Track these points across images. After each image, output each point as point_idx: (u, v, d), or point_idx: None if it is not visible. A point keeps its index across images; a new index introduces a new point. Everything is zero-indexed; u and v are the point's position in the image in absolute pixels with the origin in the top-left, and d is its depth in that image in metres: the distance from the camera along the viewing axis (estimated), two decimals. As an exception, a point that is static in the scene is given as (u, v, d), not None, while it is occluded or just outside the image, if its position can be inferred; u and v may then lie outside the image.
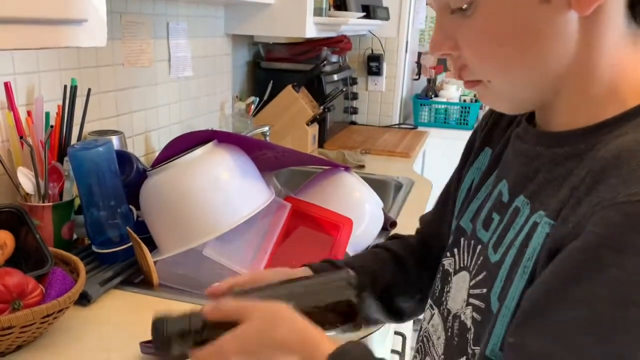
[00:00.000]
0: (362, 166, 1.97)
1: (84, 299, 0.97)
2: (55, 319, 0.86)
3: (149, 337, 0.61)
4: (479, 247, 0.62)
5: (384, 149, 2.26)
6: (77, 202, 1.14)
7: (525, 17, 0.49)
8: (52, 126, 1.13)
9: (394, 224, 1.42)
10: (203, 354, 0.56)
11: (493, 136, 0.70)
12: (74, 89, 1.19)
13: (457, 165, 0.77)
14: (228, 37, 1.99)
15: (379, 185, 1.72)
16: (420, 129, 2.78)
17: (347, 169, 1.35)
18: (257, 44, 2.25)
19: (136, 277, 1.12)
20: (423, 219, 0.86)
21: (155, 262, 1.07)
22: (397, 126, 2.80)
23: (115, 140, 1.32)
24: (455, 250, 0.67)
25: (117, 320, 0.95)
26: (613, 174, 0.45)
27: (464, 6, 0.51)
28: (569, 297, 0.44)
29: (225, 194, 1.09)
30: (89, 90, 1.24)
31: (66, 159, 1.11)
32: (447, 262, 0.68)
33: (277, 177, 1.51)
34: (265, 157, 1.27)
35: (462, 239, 0.67)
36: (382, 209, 1.35)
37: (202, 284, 1.08)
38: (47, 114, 1.15)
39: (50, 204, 1.08)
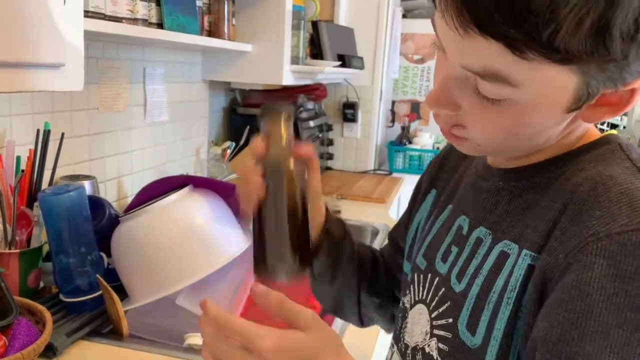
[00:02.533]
0: (339, 212, 1.96)
1: (49, 351, 0.92)
2: (17, 374, 0.81)
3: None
4: (437, 279, 0.64)
5: (360, 194, 2.27)
6: (46, 248, 1.10)
7: (544, 120, 0.52)
8: (22, 171, 1.10)
9: (370, 271, 1.40)
10: (242, 327, 0.49)
11: (439, 178, 0.74)
12: (46, 133, 1.17)
13: (407, 206, 0.80)
14: (205, 83, 2.00)
15: (356, 231, 1.71)
16: (395, 175, 2.81)
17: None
18: (233, 90, 2.27)
19: (105, 327, 1.07)
20: (382, 253, 0.88)
21: (125, 312, 1.04)
22: (372, 172, 2.82)
23: (87, 185, 1.29)
24: (411, 286, 0.69)
25: (83, 373, 0.91)
26: (596, 206, 0.48)
27: (492, 98, 0.50)
28: (585, 333, 0.46)
29: (200, 240, 1.07)
30: (63, 134, 1.22)
31: (36, 204, 1.08)
32: (406, 299, 0.71)
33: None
34: (240, 202, 1.25)
35: (416, 275, 0.69)
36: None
37: (174, 335, 1.05)
38: (18, 158, 1.13)
39: (17, 250, 1.04)
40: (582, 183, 0.51)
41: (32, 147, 1.16)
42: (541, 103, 0.49)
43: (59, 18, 0.82)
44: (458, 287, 0.60)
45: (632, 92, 0.50)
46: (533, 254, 0.52)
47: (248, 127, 2.12)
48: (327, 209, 0.76)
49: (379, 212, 2.08)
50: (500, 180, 0.61)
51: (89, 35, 1.08)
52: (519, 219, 0.56)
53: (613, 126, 5.63)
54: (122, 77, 1.51)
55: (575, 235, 0.48)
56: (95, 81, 1.40)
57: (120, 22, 1.20)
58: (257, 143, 0.63)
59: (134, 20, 1.26)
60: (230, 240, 1.11)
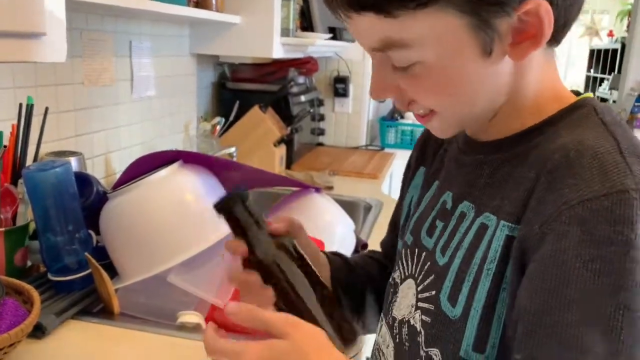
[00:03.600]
0: (331, 188, 1.94)
1: (38, 331, 0.90)
2: (5, 354, 0.79)
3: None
4: (424, 253, 0.65)
5: (352, 170, 2.25)
6: (32, 226, 1.07)
7: (468, 69, 0.53)
8: (5, 146, 1.06)
9: (365, 246, 1.39)
10: (224, 347, 0.50)
11: (425, 155, 0.75)
12: (29, 107, 1.13)
13: (401, 188, 0.81)
14: (193, 57, 1.95)
15: (349, 207, 1.69)
16: (387, 150, 2.79)
17: (317, 190, 1.32)
18: (222, 64, 2.22)
19: (95, 306, 1.05)
20: (382, 244, 0.89)
21: (116, 290, 1.02)
22: (364, 147, 2.80)
23: (74, 162, 1.25)
24: (399, 262, 0.70)
25: (74, 353, 0.89)
26: (568, 173, 0.49)
27: (405, 66, 0.54)
28: (563, 300, 0.46)
29: (192, 217, 1.04)
30: (47, 109, 1.18)
31: (20, 181, 1.05)
32: (396, 275, 0.71)
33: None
34: (232, 179, 1.23)
35: (403, 251, 0.70)
36: (354, 231, 1.33)
37: (167, 313, 1.03)
38: (0, 134, 1.09)
39: (3, 229, 1.01)
40: (555, 150, 0.51)
41: (15, 122, 1.12)
42: (448, 54, 0.52)
43: (38, -16, 0.78)
44: (442, 260, 0.60)
45: (537, 14, 0.50)
46: (510, 224, 0.53)
47: (237, 102, 2.08)
48: (326, 256, 0.76)
49: (372, 188, 2.06)
50: (481, 154, 0.61)
51: (71, 5, 1.03)
52: (498, 191, 0.57)
53: (603, 100, 5.64)
54: (107, 50, 1.46)
55: (549, 205, 0.48)
56: (80, 54, 1.36)
57: (104, -9, 1.15)
58: (233, 246, 0.62)
59: (118, -10, 1.21)
60: (222, 217, 1.09)
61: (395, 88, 0.56)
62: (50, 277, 1.04)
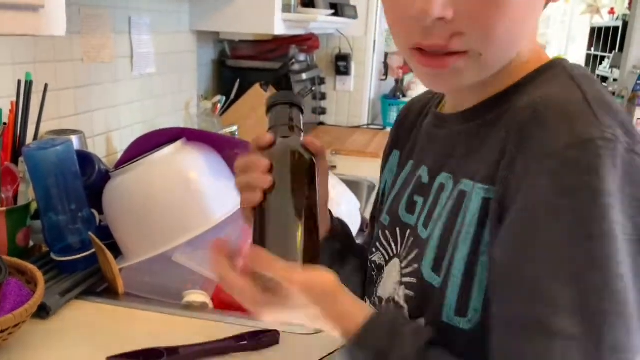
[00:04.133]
0: (333, 167, 1.93)
1: (42, 312, 0.89)
2: (10, 335, 0.78)
3: (114, 350, 0.56)
4: (408, 231, 0.64)
5: (354, 149, 2.23)
6: (34, 206, 1.05)
7: None
8: (5, 124, 1.04)
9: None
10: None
11: (399, 137, 0.74)
12: (28, 84, 1.10)
13: (380, 175, 0.79)
14: (193, 34, 1.92)
15: (352, 186, 1.68)
16: (389, 129, 2.76)
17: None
18: (222, 41, 2.19)
19: (99, 286, 1.04)
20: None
21: (120, 270, 1.00)
22: (366, 126, 2.77)
23: (75, 140, 1.23)
24: (378, 244, 0.69)
25: (79, 333, 0.88)
26: (536, 127, 0.48)
27: None
28: (532, 253, 0.46)
29: (196, 195, 1.03)
30: (46, 86, 1.16)
31: (21, 159, 1.03)
32: (376, 257, 0.70)
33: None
34: (236, 157, 1.21)
35: (381, 232, 0.69)
36: (359, 209, 1.31)
37: (171, 293, 1.02)
38: (0, 111, 1.07)
39: (4, 208, 0.99)
40: (524, 107, 0.51)
41: (14, 99, 1.10)
42: None
43: (36, -46, 0.75)
44: (425, 234, 0.60)
45: None
46: (485, 186, 0.53)
47: (238, 80, 2.05)
48: (332, 217, 0.74)
49: (374, 167, 2.02)
50: (455, 124, 0.61)
51: (70, -22, 1.01)
52: (474, 157, 0.56)
53: (604, 79, 5.60)
54: (106, 26, 1.43)
55: (520, 161, 0.48)
56: (78, 30, 1.33)
57: (103, -36, 1.12)
58: (260, 135, 0.60)
59: (117, -37, 1.18)
60: (228, 195, 1.07)
61: (452, 7, 0.49)
62: (54, 257, 1.03)
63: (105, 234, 1.06)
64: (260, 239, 0.55)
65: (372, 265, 0.71)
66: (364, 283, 0.75)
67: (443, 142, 0.62)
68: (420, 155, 0.66)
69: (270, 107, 0.64)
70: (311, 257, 0.54)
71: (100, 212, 1.09)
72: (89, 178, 1.11)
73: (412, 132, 0.71)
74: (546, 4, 0.56)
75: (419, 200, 0.63)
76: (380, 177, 0.78)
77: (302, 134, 0.62)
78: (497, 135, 0.53)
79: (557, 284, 0.45)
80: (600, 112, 0.47)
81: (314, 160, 0.59)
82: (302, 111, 0.65)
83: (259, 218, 0.56)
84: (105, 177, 1.10)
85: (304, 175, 0.58)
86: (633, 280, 0.45)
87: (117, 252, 1.06)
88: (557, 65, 0.56)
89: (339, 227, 0.76)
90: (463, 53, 0.52)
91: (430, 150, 0.64)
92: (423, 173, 0.64)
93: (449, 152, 0.60)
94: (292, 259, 0.52)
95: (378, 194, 0.78)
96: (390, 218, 0.68)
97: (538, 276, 0.46)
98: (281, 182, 0.56)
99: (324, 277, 0.52)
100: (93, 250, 1.02)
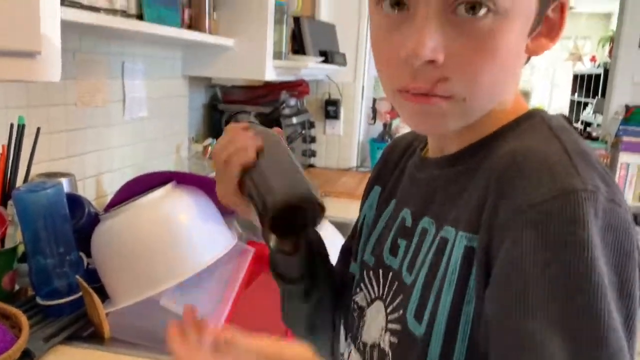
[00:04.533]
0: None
1: (26, 357, 0.87)
2: (-8, 382, 0.76)
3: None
4: (391, 273, 0.63)
5: (343, 191, 2.24)
6: (21, 249, 1.05)
7: (517, 45, 0.53)
8: (-5, 167, 1.04)
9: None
10: None
11: (381, 175, 0.74)
12: (21, 127, 1.11)
13: (359, 209, 0.79)
14: (185, 79, 1.95)
15: (341, 228, 1.68)
16: (377, 172, 2.79)
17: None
18: (214, 86, 2.22)
19: (85, 331, 1.02)
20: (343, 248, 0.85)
21: (107, 314, 0.99)
22: (355, 169, 2.80)
23: (65, 183, 1.24)
24: (362, 284, 0.68)
25: (63, 380, 0.86)
26: (517, 177, 0.49)
27: (481, 10, 0.48)
28: (524, 307, 0.46)
29: (185, 238, 1.03)
30: (38, 129, 1.17)
31: (10, 202, 1.03)
32: (359, 298, 0.69)
33: (238, 219, 1.45)
34: (226, 200, 1.21)
35: (366, 272, 0.68)
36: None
37: (159, 338, 1.00)
38: (-9, 155, 1.07)
39: (-9, 251, 0.99)
40: (503, 156, 0.52)
41: (5, 142, 1.11)
42: (521, 12, 0.50)
43: (34, 3, 0.77)
44: (408, 279, 0.59)
45: (562, 10, 0.53)
46: (468, 234, 0.52)
47: (230, 123, 2.08)
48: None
49: (364, 210, 2.05)
50: (436, 169, 0.61)
51: (65, 26, 1.03)
52: (455, 204, 0.56)
53: (587, 124, 5.71)
54: (100, 71, 1.45)
55: (502, 210, 0.48)
56: (73, 75, 1.35)
57: (98, 12, 1.15)
58: (234, 124, 0.64)
59: (112, 11, 1.21)
60: (216, 238, 1.07)
61: (441, 52, 0.50)
62: (39, 301, 1.01)
63: (92, 277, 1.05)
64: (260, 189, 0.57)
65: (355, 305, 0.70)
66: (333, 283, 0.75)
67: (424, 186, 0.62)
68: (403, 197, 0.67)
69: (229, 119, 0.70)
70: (314, 190, 0.57)
71: (89, 255, 1.08)
72: (78, 221, 1.11)
73: (395, 170, 0.72)
74: (528, 58, 0.57)
75: (402, 243, 0.63)
76: (360, 210, 0.77)
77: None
78: (477, 183, 0.54)
79: (552, 338, 0.44)
80: (580, 164, 0.48)
81: None
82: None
83: (256, 178, 0.58)
84: (94, 220, 1.10)
85: (283, 144, 0.63)
86: (622, 329, 0.45)
87: (104, 296, 1.05)
88: (535, 116, 0.57)
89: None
90: (447, 97, 0.53)
91: (413, 193, 0.64)
92: (406, 215, 0.64)
93: (430, 196, 0.61)
94: (306, 188, 0.56)
95: (355, 227, 0.77)
96: (375, 259, 0.67)
97: (532, 332, 0.45)
98: (268, 147, 0.60)
99: (300, 351, 0.51)
100: (80, 294, 1.01)
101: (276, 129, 0.67)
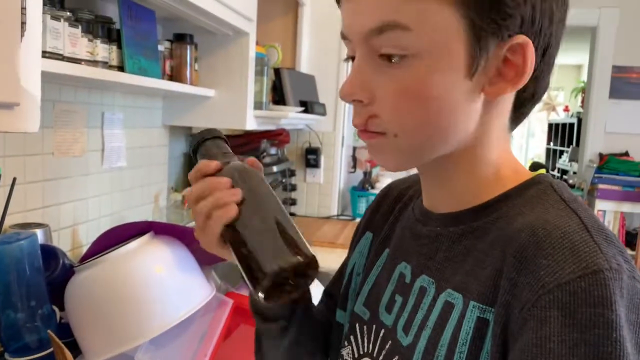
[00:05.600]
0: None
1: (-9, 419, 0.83)
2: None
3: None
4: (383, 330, 0.62)
5: (324, 240, 2.24)
6: (-9, 303, 1.01)
7: (450, 86, 0.53)
8: (-32, 218, 1.02)
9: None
10: None
11: (374, 221, 0.73)
12: (-4, 178, 1.10)
13: (348, 253, 0.78)
14: (165, 128, 1.96)
15: (323, 278, 1.66)
16: (358, 220, 2.79)
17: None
18: (195, 135, 2.23)
19: (55, 389, 0.98)
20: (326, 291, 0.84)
21: (79, 370, 0.96)
22: (336, 217, 2.80)
23: (39, 234, 1.21)
24: (352, 337, 0.66)
25: None
26: (539, 254, 0.48)
27: (394, 58, 0.52)
28: None
29: (161, 291, 1.01)
30: (14, 179, 1.15)
31: (-18, 254, 1.00)
32: (346, 352, 0.67)
33: (216, 270, 1.43)
34: (205, 250, 1.20)
35: (358, 325, 0.66)
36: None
37: (133, 394, 0.97)
38: (-36, 205, 1.05)
39: (-41, 306, 0.96)
40: (521, 229, 0.51)
41: (-20, 193, 1.09)
42: (438, 53, 0.51)
43: (15, 56, 0.78)
44: (405, 341, 0.58)
45: (523, 53, 0.52)
46: (481, 305, 0.51)
47: (210, 173, 2.08)
48: None
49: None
50: (439, 226, 0.60)
51: (46, 77, 1.04)
52: (460, 267, 0.55)
53: (564, 172, 5.84)
54: (79, 121, 1.45)
55: (526, 288, 0.48)
56: (51, 125, 1.35)
57: (79, 63, 1.16)
58: (204, 163, 0.61)
59: (93, 63, 1.23)
60: (193, 290, 1.05)
61: (368, 95, 0.54)
62: (8, 357, 0.97)
63: (65, 332, 1.02)
64: (249, 250, 0.54)
65: (341, 359, 0.68)
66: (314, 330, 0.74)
67: (425, 242, 0.61)
68: (401, 250, 0.65)
69: (197, 148, 0.64)
70: (304, 246, 0.55)
71: (62, 308, 1.05)
72: (52, 273, 1.08)
73: (389, 217, 0.71)
74: (523, 104, 0.58)
75: (399, 300, 0.61)
76: (349, 255, 0.76)
77: (237, 158, 0.63)
78: (489, 252, 0.53)
79: None
80: (602, 242, 0.48)
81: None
82: (227, 142, 0.66)
83: (241, 231, 0.55)
84: (69, 272, 1.07)
85: (264, 183, 0.60)
86: None
87: (77, 351, 1.01)
88: (542, 182, 0.57)
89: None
90: (380, 133, 0.55)
91: (413, 247, 0.63)
92: (406, 271, 0.62)
93: (430, 254, 0.59)
94: (298, 248, 0.54)
95: (341, 271, 0.76)
96: (371, 313, 0.65)
97: None
98: (249, 193, 0.57)
99: None
100: (51, 349, 0.97)
101: (250, 160, 0.64)
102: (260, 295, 0.53)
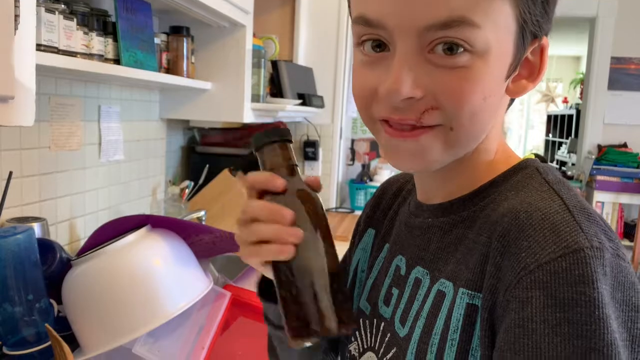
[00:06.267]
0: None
1: (-11, 412, 0.84)
2: None
3: None
4: (383, 324, 0.62)
5: (322, 233, 2.23)
6: (-11, 297, 1.01)
7: (499, 84, 0.53)
8: (-36, 212, 1.02)
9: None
10: None
11: (374, 217, 0.73)
12: (-8, 172, 1.10)
13: (348, 247, 0.78)
14: (163, 121, 1.95)
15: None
16: (357, 212, 2.80)
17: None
18: (192, 128, 2.23)
19: (53, 382, 0.99)
20: None
21: (76, 364, 0.96)
22: (334, 210, 2.80)
23: (37, 228, 1.21)
24: (357, 332, 0.67)
25: None
26: (521, 236, 0.48)
27: (456, 52, 0.49)
28: None
29: (159, 283, 1.01)
30: (10, 173, 1.15)
31: (-21, 248, 1.00)
32: (353, 347, 0.67)
33: (214, 263, 1.43)
34: (202, 242, 1.20)
35: (362, 320, 0.66)
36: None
37: (131, 387, 0.97)
38: (-40, 199, 1.05)
39: (-44, 300, 0.96)
40: (505, 214, 0.51)
41: (-24, 187, 1.09)
42: (498, 53, 0.51)
43: (9, 49, 0.78)
44: (402, 332, 0.58)
45: (542, 53, 0.54)
46: (469, 292, 0.52)
47: (207, 165, 2.07)
48: None
49: (343, 250, 2.04)
50: (430, 217, 0.60)
51: (41, 70, 1.03)
52: (451, 256, 0.55)
53: (562, 163, 5.83)
54: (75, 114, 1.45)
55: (508, 271, 0.48)
56: (47, 118, 1.34)
57: (75, 57, 1.15)
58: (269, 177, 0.55)
59: (89, 56, 1.22)
60: (191, 283, 1.05)
61: (422, 88, 0.51)
62: (6, 351, 0.98)
63: (62, 325, 1.02)
64: (293, 296, 0.52)
65: (348, 354, 0.68)
66: None
67: (418, 233, 0.61)
68: (397, 243, 0.65)
69: (261, 147, 0.57)
70: (349, 314, 0.53)
71: (59, 302, 1.05)
72: (49, 267, 1.08)
73: (388, 213, 0.71)
74: (511, 102, 0.59)
75: (395, 292, 0.62)
76: (352, 252, 0.75)
77: (299, 171, 0.59)
78: (476, 239, 0.53)
79: None
80: (583, 221, 0.48)
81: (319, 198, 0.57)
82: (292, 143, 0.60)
83: (293, 274, 0.53)
84: (66, 265, 1.07)
85: (322, 221, 0.55)
86: None
87: (74, 344, 1.02)
88: (528, 166, 0.57)
89: None
90: (433, 127, 0.52)
91: (408, 240, 0.63)
92: (401, 264, 0.62)
93: (423, 245, 0.59)
94: (340, 312, 0.52)
95: (347, 268, 0.75)
96: (371, 308, 0.66)
97: None
98: (309, 234, 0.53)
99: None
100: (49, 343, 0.98)
101: (311, 180, 0.57)
102: (292, 341, 0.53)
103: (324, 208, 0.59)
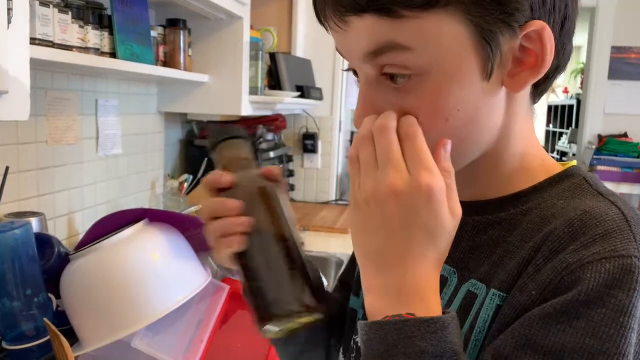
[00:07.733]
0: (302, 243, 1.92)
1: (-12, 406, 0.84)
2: None
3: None
4: None
5: (322, 225, 2.24)
6: (-13, 292, 1.01)
7: (466, 95, 0.50)
8: (-39, 208, 1.02)
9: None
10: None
11: None
12: (-11, 167, 1.09)
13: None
14: (160, 115, 1.95)
15: (320, 263, 1.67)
16: (356, 205, 2.79)
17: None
18: (190, 121, 2.22)
19: (53, 376, 0.99)
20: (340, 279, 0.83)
21: (76, 357, 0.96)
22: (334, 202, 2.80)
23: (34, 222, 1.21)
24: None
25: None
26: (571, 241, 0.47)
27: (399, 78, 0.49)
28: (537, 349, 0.43)
29: (157, 277, 1.01)
30: (7, 168, 1.15)
31: (-24, 243, 1.00)
32: (358, 339, 0.65)
33: (213, 256, 1.43)
34: (200, 236, 1.20)
35: None
36: (325, 287, 1.30)
37: (130, 380, 0.98)
38: (-43, 195, 1.05)
39: (-46, 295, 0.96)
40: (557, 221, 0.49)
41: (-27, 182, 1.08)
42: (448, 66, 0.48)
43: (2, 43, 0.77)
44: None
45: (540, 38, 0.49)
46: (501, 293, 0.50)
47: (206, 159, 2.07)
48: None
49: (343, 243, 2.04)
50: (463, 214, 0.57)
51: (37, 64, 1.03)
52: (486, 257, 0.54)
53: (563, 154, 5.82)
54: (72, 108, 1.44)
55: (549, 271, 0.46)
56: (44, 113, 1.34)
57: (70, 50, 1.15)
58: (217, 175, 0.56)
59: (85, 49, 1.21)
60: (189, 277, 1.05)
61: (390, 109, 0.50)
62: (5, 345, 0.98)
63: (61, 319, 1.02)
64: (253, 284, 0.53)
65: (354, 346, 0.66)
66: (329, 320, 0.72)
67: None
68: None
69: (215, 145, 0.60)
70: (311, 287, 0.53)
71: (58, 296, 1.05)
72: (48, 261, 1.08)
73: None
74: (538, 94, 0.56)
75: None
76: None
77: (254, 165, 0.60)
78: (520, 244, 0.51)
79: None
80: (639, 233, 0.46)
81: (276, 188, 0.58)
82: (248, 140, 0.63)
83: (248, 261, 0.54)
84: (64, 260, 1.07)
85: (276, 208, 0.56)
86: None
87: (73, 338, 1.02)
88: (575, 175, 0.55)
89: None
90: None
91: None
92: None
93: (454, 243, 0.56)
94: (298, 294, 0.52)
95: (354, 259, 0.74)
96: None
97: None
98: (259, 222, 0.54)
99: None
100: (47, 337, 0.98)
101: (266, 171, 0.58)
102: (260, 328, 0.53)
103: (290, 197, 0.60)
